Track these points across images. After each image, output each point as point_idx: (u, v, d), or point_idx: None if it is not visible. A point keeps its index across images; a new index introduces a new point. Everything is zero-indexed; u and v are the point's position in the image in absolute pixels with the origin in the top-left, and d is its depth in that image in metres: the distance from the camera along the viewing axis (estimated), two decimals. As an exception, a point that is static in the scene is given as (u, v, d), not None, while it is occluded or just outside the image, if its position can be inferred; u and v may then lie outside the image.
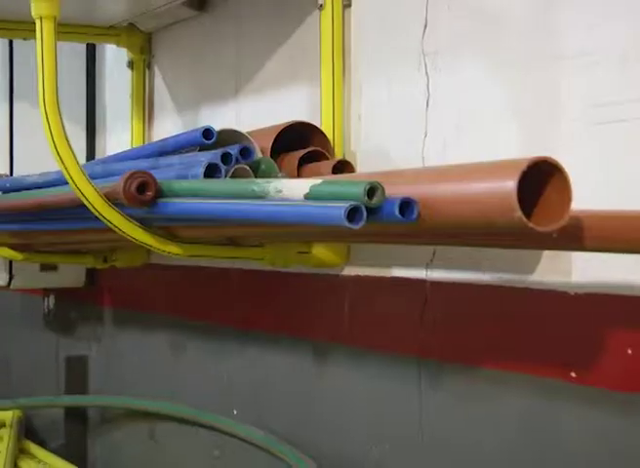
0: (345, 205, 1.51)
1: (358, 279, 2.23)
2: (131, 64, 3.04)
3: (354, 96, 2.23)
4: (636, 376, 1.62)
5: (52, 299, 3.80)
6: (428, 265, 2.02)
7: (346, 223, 1.50)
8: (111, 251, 3.03)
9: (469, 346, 1.95)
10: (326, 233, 1.91)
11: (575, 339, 1.73)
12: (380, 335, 2.17)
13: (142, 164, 2.19)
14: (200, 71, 2.81)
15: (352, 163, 2.16)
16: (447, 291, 1.99)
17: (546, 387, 1.78)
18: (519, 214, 1.34)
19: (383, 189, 1.52)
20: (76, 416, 3.57)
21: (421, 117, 2.03)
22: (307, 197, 1.64)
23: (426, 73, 2.02)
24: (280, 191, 1.71)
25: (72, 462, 3.42)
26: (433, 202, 1.51)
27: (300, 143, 2.18)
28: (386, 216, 1.52)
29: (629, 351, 1.63)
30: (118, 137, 3.16)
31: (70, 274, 3.44)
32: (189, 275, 2.88)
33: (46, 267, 3.36)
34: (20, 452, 3.50)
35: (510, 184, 1.35)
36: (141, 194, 1.96)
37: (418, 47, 2.04)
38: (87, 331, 3.57)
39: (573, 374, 1.72)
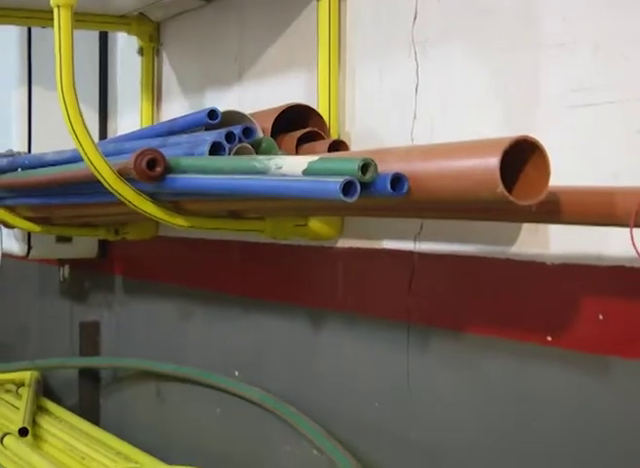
0: (341, 180, 1.51)
1: (351, 250, 2.23)
2: (141, 51, 3.03)
3: (349, 81, 2.22)
4: (606, 340, 1.63)
5: (67, 269, 3.81)
6: (416, 238, 2.02)
7: (342, 197, 1.51)
8: (122, 224, 3.03)
9: (454, 312, 1.95)
10: (322, 207, 1.92)
11: (551, 306, 1.74)
12: (371, 302, 2.17)
13: (152, 142, 2.19)
14: (205, 58, 2.81)
15: (347, 143, 2.16)
16: (433, 261, 2.00)
17: (525, 350, 1.79)
18: (501, 188, 1.35)
19: (376, 165, 1.53)
20: (89, 377, 3.58)
21: (411, 101, 2.03)
22: (305, 173, 1.65)
23: (416, 60, 2.02)
24: (280, 167, 1.71)
25: (86, 419, 3.45)
26: (422, 177, 1.51)
27: (298, 124, 2.18)
28: (379, 191, 1.53)
29: (600, 317, 1.64)
30: (129, 119, 3.15)
31: (84, 246, 3.44)
32: (195, 247, 2.88)
33: (61, 239, 3.36)
34: (37, 409, 3.51)
35: (493, 161, 1.35)
36: (151, 170, 1.97)
37: (408, 36, 2.03)
38: (99, 298, 3.57)
39: (549, 338, 1.73)
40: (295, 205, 1.94)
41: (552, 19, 1.71)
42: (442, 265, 1.98)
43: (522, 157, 1.42)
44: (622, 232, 1.40)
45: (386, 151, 1.68)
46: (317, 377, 2.36)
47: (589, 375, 1.66)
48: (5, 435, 3.17)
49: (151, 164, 1.97)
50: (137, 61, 3.06)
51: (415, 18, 2.02)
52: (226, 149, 2.02)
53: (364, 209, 1.85)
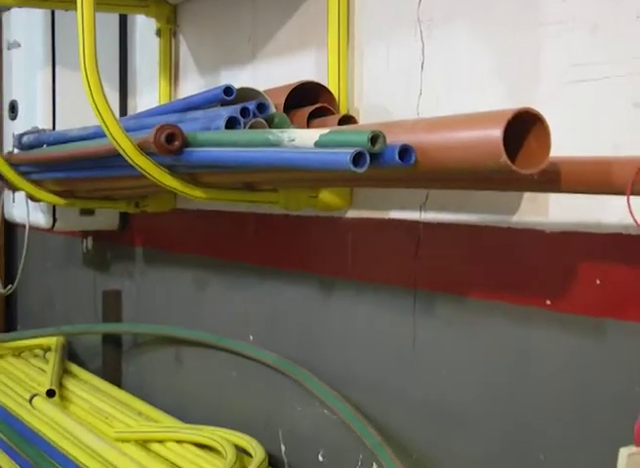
0: (351, 151, 1.51)
1: (360, 220, 2.23)
2: (158, 33, 3.02)
3: (357, 59, 2.21)
4: (603, 304, 1.63)
5: (89, 241, 3.81)
6: (422, 208, 2.01)
7: (352, 167, 1.50)
8: (142, 197, 3.03)
9: (458, 278, 1.95)
10: (333, 178, 1.91)
11: (550, 272, 1.73)
12: (378, 270, 2.17)
13: (170, 118, 2.19)
14: (220, 39, 2.79)
15: (356, 118, 2.15)
16: (438, 230, 1.99)
17: (525, 314, 1.78)
18: (505, 158, 1.35)
19: (385, 137, 1.52)
20: (111, 342, 3.59)
21: (417, 78, 2.02)
22: (317, 144, 1.64)
23: (421, 39, 2.01)
24: (293, 140, 1.71)
25: (109, 381, 3.47)
26: (429, 148, 1.51)
27: (309, 101, 2.17)
28: (387, 161, 1.52)
29: (597, 281, 1.64)
30: (147, 97, 3.15)
31: (106, 218, 3.44)
32: (211, 219, 2.88)
33: (84, 212, 3.36)
34: (64, 373, 3.53)
35: (497, 132, 1.35)
36: (170, 144, 1.97)
37: (414, 16, 2.02)
38: (120, 268, 3.57)
39: (548, 302, 1.73)
40: (306, 176, 1.93)
41: (553, -1, 1.70)
42: (446, 234, 1.97)
43: (524, 128, 1.41)
44: (619, 201, 1.40)
45: (394, 124, 1.67)
46: (328, 341, 2.36)
47: (586, 337, 1.66)
48: (34, 396, 3.20)
49: (170, 138, 1.97)
50: (155, 43, 3.05)
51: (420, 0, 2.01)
52: (241, 124, 2.02)
53: (373, 179, 1.84)
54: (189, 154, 1.98)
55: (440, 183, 1.80)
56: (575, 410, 1.68)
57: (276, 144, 1.75)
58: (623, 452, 1.43)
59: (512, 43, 1.80)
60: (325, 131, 1.66)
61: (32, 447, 2.86)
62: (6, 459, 2.93)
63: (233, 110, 2.02)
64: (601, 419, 1.63)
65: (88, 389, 3.36)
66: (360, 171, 1.51)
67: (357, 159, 1.52)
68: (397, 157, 1.51)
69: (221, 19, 2.78)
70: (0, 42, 3.49)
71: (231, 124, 2.01)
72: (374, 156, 1.53)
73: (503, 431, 1.84)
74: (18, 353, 3.88)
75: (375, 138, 1.53)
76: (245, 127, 2.02)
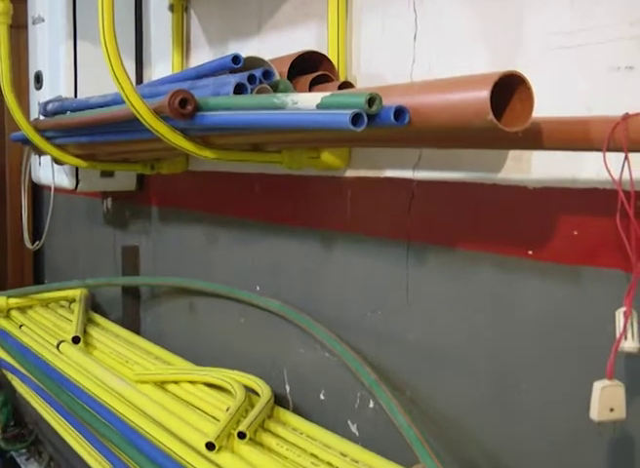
0: (350, 112, 1.51)
1: (357, 179, 2.22)
2: (171, 8, 2.99)
3: (355, 30, 2.20)
4: (579, 252, 1.63)
5: (109, 201, 3.81)
6: (415, 167, 2.01)
7: (351, 127, 1.51)
8: (157, 160, 3.03)
9: (448, 231, 1.95)
10: (333, 138, 1.91)
11: (532, 224, 1.73)
12: (374, 224, 2.17)
13: (183, 85, 2.18)
14: (228, 13, 2.77)
15: (354, 84, 2.14)
16: (430, 187, 1.99)
17: (508, 263, 1.79)
18: (491, 116, 1.35)
19: (381, 99, 1.53)
20: (131, 293, 3.60)
21: (410, 47, 2.01)
22: (319, 107, 1.64)
23: (414, 10, 1.99)
24: (296, 102, 1.71)
25: (128, 329, 3.49)
26: (421, 109, 1.51)
27: (310, 69, 2.15)
28: (383, 121, 1.53)
29: (575, 232, 1.64)
30: (161, 68, 3.13)
31: (124, 180, 3.44)
32: (220, 179, 2.88)
33: (105, 174, 3.36)
34: (87, 321, 3.54)
35: (485, 93, 1.35)
36: (183, 108, 1.96)
37: (407, -11, 2.01)
38: (137, 225, 3.58)
39: (530, 252, 1.73)
40: (308, 137, 1.93)
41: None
42: (437, 191, 1.97)
43: (509, 90, 1.42)
44: (595, 158, 1.40)
45: (389, 87, 1.67)
46: (328, 290, 2.36)
47: (563, 283, 1.67)
48: (60, 342, 3.22)
49: (183, 103, 1.96)
50: (168, 17, 3.02)
51: (413, -26, 2.00)
52: (248, 89, 2.01)
53: (370, 140, 1.84)
54: (201, 118, 1.98)
55: (432, 143, 1.80)
56: (553, 348, 1.70)
57: (281, 107, 1.75)
58: (597, 385, 1.45)
59: (498, 13, 1.79)
60: (326, 94, 1.65)
61: (60, 387, 2.87)
62: (37, 399, 2.96)
63: (241, 77, 2.01)
64: (576, 356, 1.64)
65: (109, 336, 3.37)
66: (358, 130, 1.51)
67: (356, 119, 1.52)
68: (392, 117, 1.51)
69: (230, -6, 2.77)
70: (26, 17, 3.46)
71: (239, 90, 2.00)
72: (371, 117, 1.53)
73: (488, 368, 1.85)
74: (45, 304, 3.89)
75: (372, 100, 1.53)
76: (252, 92, 2.01)
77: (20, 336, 3.47)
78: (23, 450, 3.80)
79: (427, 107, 1.50)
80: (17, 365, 3.22)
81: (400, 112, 1.52)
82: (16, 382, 3.19)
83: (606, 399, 1.44)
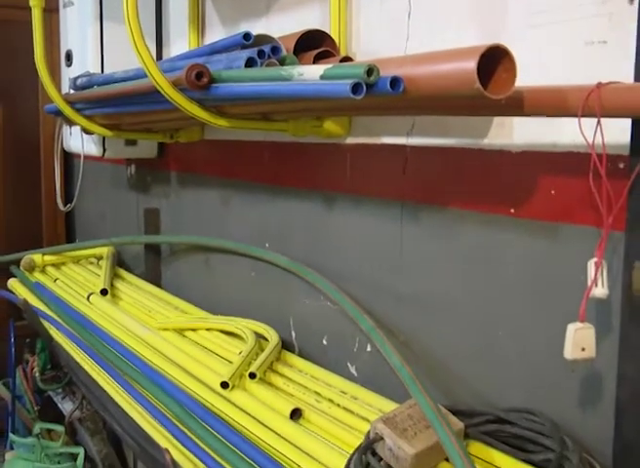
0: (350, 81, 1.50)
1: (357, 145, 2.22)
2: (189, -8, 2.98)
3: (355, 10, 2.18)
4: (556, 210, 1.63)
5: (133, 167, 3.81)
6: (409, 134, 2.00)
7: (351, 95, 1.51)
8: (175, 129, 3.02)
9: (438, 192, 1.95)
10: (335, 107, 1.89)
11: (514, 185, 1.73)
12: (372, 186, 2.17)
13: (198, 60, 2.16)
14: (239, -4, 2.76)
15: (353, 59, 2.13)
16: (422, 152, 1.98)
17: (493, 220, 1.79)
18: (478, 85, 1.34)
19: (378, 70, 1.52)
20: (152, 250, 3.61)
21: (404, 25, 1.99)
22: (322, 77, 1.63)
23: (408, -8, 1.98)
24: (302, 74, 1.70)
25: (150, 282, 3.51)
26: (414, 78, 1.50)
27: (314, 46, 2.13)
28: (380, 90, 1.52)
29: (552, 192, 1.64)
30: (179, 45, 3.11)
31: (146, 147, 3.43)
32: (233, 147, 2.88)
33: (129, 142, 3.35)
34: (114, 276, 3.57)
35: (472, 63, 1.35)
36: (199, 80, 1.95)
37: (402, -27, 1.99)
38: (158, 189, 3.57)
39: (512, 210, 1.73)
40: (312, 106, 1.91)
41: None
42: (429, 155, 1.96)
43: (494, 61, 1.41)
44: (571, 124, 1.40)
45: (386, 60, 1.65)
46: (330, 246, 2.37)
47: (542, 238, 1.67)
48: (90, 294, 3.25)
49: (199, 76, 1.95)
50: (184, 1, 3.00)
51: (408, -41, 1.98)
52: (258, 63, 2.00)
53: (368, 108, 1.83)
54: (215, 89, 1.97)
55: (424, 110, 1.79)
56: (531, 298, 1.70)
57: (288, 78, 1.74)
58: (571, 328, 1.46)
59: (484, -4, 1.78)
60: (329, 66, 1.65)
61: (91, 334, 2.89)
62: (70, 345, 2.98)
63: (251, 52, 2.00)
64: (553, 302, 1.64)
65: (134, 289, 3.40)
66: (358, 98, 1.51)
67: (356, 88, 1.51)
68: (389, 86, 1.50)
69: (241, -20, 2.74)
70: (57, 1, 3.45)
71: (250, 64, 1.99)
72: (369, 86, 1.53)
73: (474, 314, 1.86)
74: (77, 261, 3.90)
75: (370, 71, 1.52)
76: (261, 66, 2.00)
77: (55, 289, 3.49)
78: (59, 390, 3.87)
79: (420, 77, 1.49)
80: (52, 314, 3.25)
81: (395, 81, 1.51)
82: (52, 330, 3.21)
83: (578, 340, 1.45)
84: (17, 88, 4.35)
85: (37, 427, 3.53)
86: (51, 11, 3.25)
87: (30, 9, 2.85)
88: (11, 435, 3.63)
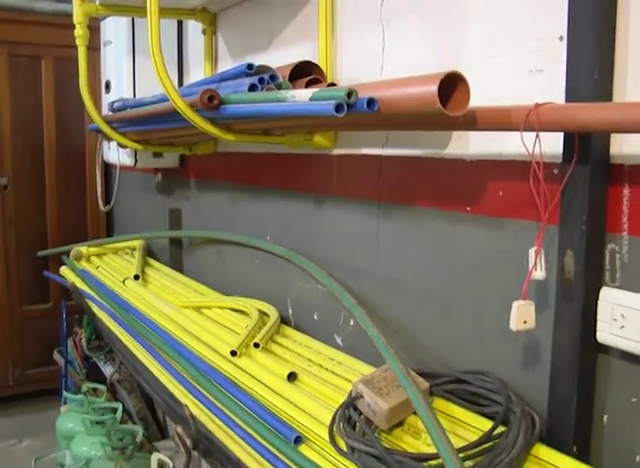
0: (334, 102, 1.48)
1: (341, 155, 2.20)
2: (204, 31, 2.95)
3: (338, 45, 2.16)
4: (504, 208, 1.61)
5: (159, 175, 3.78)
6: (384, 145, 1.99)
7: (335, 113, 1.48)
8: (193, 143, 3.00)
9: (407, 193, 1.93)
10: (322, 123, 1.86)
11: (469, 187, 1.71)
12: (354, 189, 2.15)
13: (210, 86, 2.13)
14: (245, 35, 2.73)
15: (337, 85, 2.10)
16: (394, 161, 1.96)
17: (452, 217, 1.77)
18: (439, 105, 1.32)
19: (357, 93, 1.49)
20: (175, 243, 3.59)
21: (380, 57, 1.97)
22: (311, 99, 1.61)
23: (383, 31, 1.96)
24: (294, 96, 1.68)
25: (174, 269, 3.49)
26: (387, 100, 1.48)
27: (305, 74, 2.11)
28: (359, 109, 1.50)
29: (500, 193, 1.62)
30: (196, 75, 3.10)
31: (170, 159, 3.42)
32: (240, 158, 2.86)
33: (156, 154, 3.34)
34: (145, 264, 3.56)
35: (433, 87, 1.33)
36: (210, 103, 1.93)
37: (377, 15, 1.97)
38: (180, 193, 3.55)
39: (468, 208, 1.71)
40: (303, 122, 1.89)
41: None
42: (400, 163, 1.94)
43: (453, 85, 1.38)
44: (515, 137, 1.37)
45: (364, 84, 1.62)
46: (320, 238, 2.35)
47: (492, 230, 1.65)
48: (125, 279, 3.23)
49: (211, 99, 1.93)
50: (201, 38, 2.98)
51: (382, 3, 1.96)
52: (259, 88, 1.97)
53: (349, 124, 1.81)
54: (224, 109, 1.94)
55: (395, 126, 1.77)
56: (484, 280, 1.68)
57: (283, 100, 1.72)
58: (515, 304, 1.45)
59: (445, 32, 1.75)
60: (317, 89, 1.62)
61: (126, 312, 2.87)
62: (110, 320, 2.96)
63: (253, 79, 1.97)
64: (501, 284, 1.63)
65: (160, 274, 3.38)
66: (340, 115, 1.49)
67: (338, 108, 1.49)
68: (366, 106, 1.48)
69: (246, 21, 2.71)
70: (98, 41, 3.44)
71: (252, 89, 1.97)
72: (350, 106, 1.51)
73: (436, 294, 1.84)
74: (115, 251, 3.88)
75: (350, 94, 1.50)
76: (261, 90, 1.98)
77: (97, 275, 3.47)
78: (102, 357, 3.88)
79: (392, 98, 1.46)
80: (95, 295, 3.23)
81: (371, 102, 1.49)
82: (95, 308, 3.19)
83: (521, 314, 1.44)
84: (68, 111, 4.35)
85: (85, 386, 3.55)
86: (94, 49, 3.24)
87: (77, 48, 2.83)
88: (65, 392, 3.65)
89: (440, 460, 1.32)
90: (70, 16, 2.78)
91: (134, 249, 3.82)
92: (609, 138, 1.36)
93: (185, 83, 3.20)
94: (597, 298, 1.38)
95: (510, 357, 1.62)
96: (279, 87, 2.01)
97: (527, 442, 1.41)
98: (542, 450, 1.42)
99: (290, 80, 2.07)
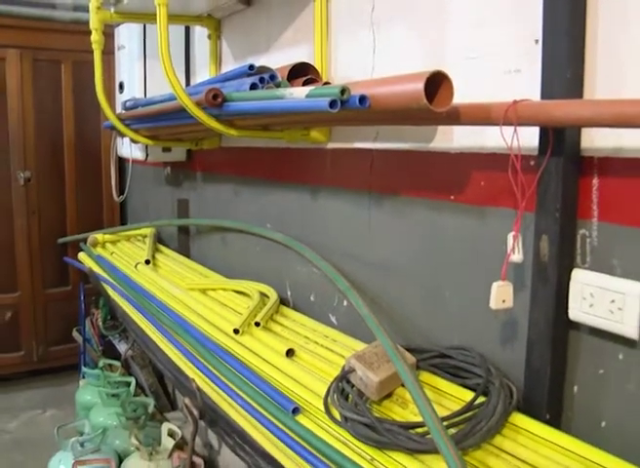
0: (328, 99, 1.46)
1: (335, 149, 2.18)
2: (209, 36, 2.92)
3: (333, 48, 2.13)
4: (485, 197, 1.60)
5: (169, 168, 3.76)
6: (374, 139, 1.97)
7: (329, 109, 1.47)
8: (200, 139, 2.98)
9: (396, 184, 1.91)
10: (317, 119, 1.85)
11: (453, 178, 1.70)
12: (347, 180, 2.13)
13: (215, 85, 2.11)
14: (247, 38, 2.70)
15: (332, 83, 2.08)
16: (384, 154, 1.95)
17: (437, 205, 1.76)
18: (425, 101, 1.31)
19: (350, 90, 1.48)
20: (183, 231, 3.57)
21: (370, 58, 1.95)
22: (307, 96, 1.60)
23: (373, 34, 1.93)
24: (292, 94, 1.66)
25: (182, 254, 3.47)
26: (377, 96, 1.46)
27: (302, 74, 2.09)
28: (351, 105, 1.48)
29: (482, 183, 1.61)
30: (202, 76, 3.07)
31: (178, 153, 3.40)
32: (242, 152, 2.84)
33: (165, 149, 3.32)
34: (155, 250, 3.53)
35: (420, 85, 1.31)
36: (215, 100, 1.92)
37: (368, 20, 1.95)
38: (188, 185, 3.53)
39: (452, 197, 1.70)
40: (300, 118, 1.87)
41: (457, 5, 1.64)
42: (389, 156, 1.93)
43: (438, 83, 1.37)
44: (495, 131, 1.36)
45: (356, 83, 1.61)
46: (316, 226, 2.33)
47: (474, 218, 1.64)
48: (137, 263, 3.21)
49: (215, 97, 1.91)
50: (206, 43, 2.95)
51: (372, 9, 1.94)
52: (259, 87, 1.95)
53: (343, 119, 1.78)
54: (227, 107, 1.92)
55: (385, 121, 1.75)
56: (466, 263, 1.67)
57: (281, 97, 1.70)
58: (494, 285, 1.44)
59: (430, 35, 1.73)
60: (312, 87, 1.61)
61: (139, 294, 2.86)
62: (124, 301, 2.95)
63: (254, 79, 1.95)
64: (482, 267, 1.62)
65: (169, 259, 3.36)
66: (334, 111, 1.47)
67: (332, 104, 1.48)
68: (358, 102, 1.46)
69: (248, 27, 2.69)
70: (112, 46, 3.42)
71: (253, 87, 1.94)
72: (343, 102, 1.49)
73: (423, 276, 1.83)
74: (128, 238, 3.86)
75: (344, 91, 1.49)
76: (262, 89, 1.96)
77: (112, 260, 3.45)
78: (117, 335, 3.86)
79: (382, 95, 1.45)
80: (110, 279, 3.21)
81: (363, 99, 1.47)
82: (109, 290, 3.18)
83: (500, 294, 1.43)
84: (85, 110, 4.34)
85: (101, 362, 3.56)
86: (109, 53, 3.22)
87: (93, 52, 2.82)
88: (83, 368, 3.65)
89: (426, 428, 1.32)
90: (87, 23, 2.78)
91: (145, 236, 3.79)
92: (580, 133, 1.35)
93: (192, 83, 3.18)
94: (569, 279, 1.37)
95: (490, 333, 1.61)
96: (278, 86, 1.99)
97: (505, 410, 1.41)
98: (519, 418, 1.42)
99: (288, 79, 2.05)
